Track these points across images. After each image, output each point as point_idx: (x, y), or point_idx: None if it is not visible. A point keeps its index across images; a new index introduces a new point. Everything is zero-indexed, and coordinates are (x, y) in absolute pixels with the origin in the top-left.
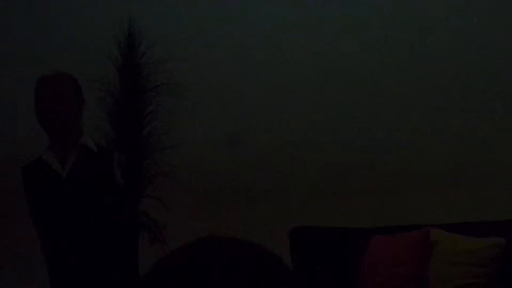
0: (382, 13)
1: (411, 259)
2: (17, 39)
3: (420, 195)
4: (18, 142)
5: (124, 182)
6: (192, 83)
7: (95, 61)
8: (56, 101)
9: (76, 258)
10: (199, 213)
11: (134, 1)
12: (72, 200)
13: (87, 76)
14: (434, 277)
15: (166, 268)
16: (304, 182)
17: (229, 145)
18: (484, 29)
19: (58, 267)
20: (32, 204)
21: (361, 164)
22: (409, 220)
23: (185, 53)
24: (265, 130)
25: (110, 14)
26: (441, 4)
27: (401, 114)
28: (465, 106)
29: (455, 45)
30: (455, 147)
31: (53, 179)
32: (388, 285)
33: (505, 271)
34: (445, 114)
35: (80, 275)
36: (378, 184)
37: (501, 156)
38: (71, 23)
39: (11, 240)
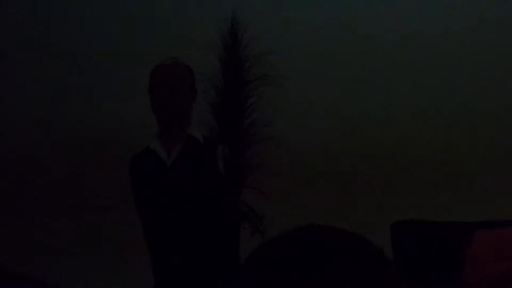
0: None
1: None
2: (124, 34)
3: None
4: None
5: (226, 174)
6: (294, 75)
7: (199, 54)
8: (174, 91)
9: (178, 246)
10: (299, 205)
11: None
12: (176, 188)
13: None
14: None
15: (265, 256)
16: (407, 175)
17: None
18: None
19: (161, 255)
20: (137, 191)
21: (464, 156)
22: None
23: (287, 46)
24: (365, 123)
25: (213, 7)
26: None
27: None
28: None
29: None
30: None
31: (159, 167)
32: (493, 281)
33: None
34: None
35: (182, 263)
36: (480, 177)
37: None
38: (176, 16)
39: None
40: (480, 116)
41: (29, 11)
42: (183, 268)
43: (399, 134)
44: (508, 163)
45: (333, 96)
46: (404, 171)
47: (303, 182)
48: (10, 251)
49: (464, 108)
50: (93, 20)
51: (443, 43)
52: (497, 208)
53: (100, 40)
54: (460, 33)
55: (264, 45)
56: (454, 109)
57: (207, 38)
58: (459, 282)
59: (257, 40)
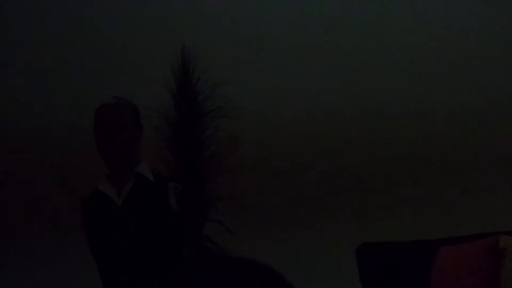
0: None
1: (481, 268)
2: (72, 65)
3: (489, 201)
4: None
5: (180, 209)
6: (248, 105)
7: (151, 89)
8: (120, 130)
9: (132, 284)
10: (262, 236)
11: (186, 28)
12: (127, 227)
13: (143, 104)
14: (507, 286)
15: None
16: (366, 198)
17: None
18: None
19: None
20: (89, 232)
21: (422, 174)
22: (477, 228)
23: (239, 76)
24: (325, 150)
25: (163, 42)
26: None
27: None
28: None
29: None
30: None
31: (109, 208)
32: None
33: None
34: None
35: None
36: (441, 193)
37: None
38: (125, 52)
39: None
40: (443, 125)
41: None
42: None
43: (363, 157)
44: (471, 178)
45: (292, 123)
46: (366, 192)
47: (266, 213)
48: None
49: (433, 126)
50: (40, 56)
51: (441, 39)
52: (461, 224)
53: (48, 73)
54: (460, 30)
55: (217, 76)
56: (415, 128)
57: (158, 73)
58: None
59: (209, 71)
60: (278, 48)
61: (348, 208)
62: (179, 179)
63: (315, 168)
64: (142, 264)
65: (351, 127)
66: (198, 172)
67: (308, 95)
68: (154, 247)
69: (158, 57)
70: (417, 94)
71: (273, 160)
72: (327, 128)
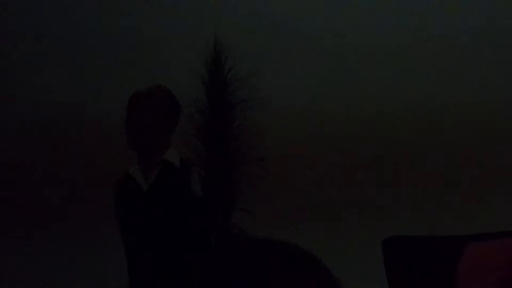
0: None
1: (509, 265)
2: (107, 57)
3: None
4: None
5: (207, 197)
6: (278, 98)
7: (183, 79)
8: (140, 116)
9: (154, 272)
10: (289, 224)
11: (220, 19)
12: (151, 213)
13: (175, 93)
14: None
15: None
16: (397, 191)
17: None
18: None
19: (138, 280)
20: (117, 215)
21: (453, 170)
22: (504, 226)
23: (270, 68)
24: (354, 141)
25: (196, 32)
26: None
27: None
28: None
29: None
30: None
31: (136, 192)
32: None
33: None
34: None
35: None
36: (469, 190)
37: None
38: (159, 42)
39: None
40: (470, 131)
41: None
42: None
43: (388, 150)
44: (498, 176)
45: (319, 114)
46: (394, 187)
47: (293, 202)
48: None
49: (456, 121)
50: (77, 47)
51: (445, 37)
52: (488, 221)
53: (85, 66)
54: (463, 27)
55: (248, 67)
56: (448, 121)
57: (191, 63)
58: None
59: (240, 63)
60: (311, 41)
61: (376, 200)
62: (204, 166)
63: (345, 159)
64: (167, 251)
65: (380, 121)
66: (227, 161)
67: (340, 89)
68: (178, 234)
69: (191, 48)
70: (437, 87)
71: (301, 151)
72: (357, 122)
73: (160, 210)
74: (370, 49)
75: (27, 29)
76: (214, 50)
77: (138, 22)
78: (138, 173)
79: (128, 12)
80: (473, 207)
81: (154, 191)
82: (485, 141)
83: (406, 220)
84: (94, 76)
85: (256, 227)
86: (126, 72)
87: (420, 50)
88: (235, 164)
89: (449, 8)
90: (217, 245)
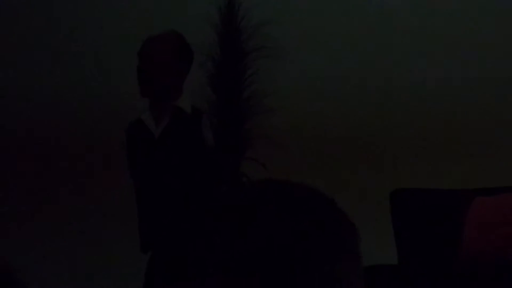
0: None
1: None
2: (121, 4)
3: None
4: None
5: (218, 145)
6: (292, 46)
7: (195, 26)
8: (149, 62)
9: (163, 215)
10: (299, 175)
11: None
12: (162, 159)
13: (189, 42)
14: None
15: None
16: (406, 142)
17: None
18: None
19: (147, 218)
20: (129, 159)
21: (463, 123)
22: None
23: (285, 16)
24: (366, 91)
25: None
26: None
27: None
28: None
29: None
30: None
31: (147, 139)
32: (492, 246)
33: None
34: None
35: (166, 228)
36: (479, 144)
37: None
38: None
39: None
40: (481, 85)
41: None
42: (167, 232)
43: (399, 102)
44: (507, 130)
45: (333, 65)
46: (403, 139)
47: (303, 152)
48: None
49: (466, 77)
50: None
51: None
52: (496, 175)
53: (95, 12)
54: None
55: (262, 15)
56: (456, 79)
57: (204, 10)
58: (459, 248)
59: (254, 10)
60: None
61: (384, 153)
62: (216, 114)
63: (352, 110)
64: (175, 196)
65: (387, 75)
66: (238, 110)
67: (353, 38)
68: (187, 179)
69: None
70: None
71: (314, 101)
72: (367, 75)
73: (171, 156)
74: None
75: None
76: None
77: None
78: (150, 119)
79: None
80: (481, 161)
81: (165, 137)
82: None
83: (414, 173)
84: (106, 23)
85: (264, 176)
86: (141, 17)
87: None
88: (246, 113)
89: None
90: (227, 192)
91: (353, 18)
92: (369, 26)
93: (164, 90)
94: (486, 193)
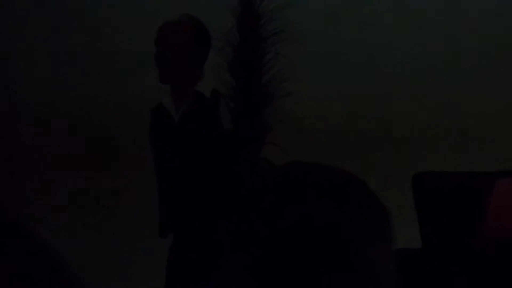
0: None
1: None
2: None
3: None
4: None
5: (237, 129)
6: (311, 30)
7: (214, 11)
8: (164, 48)
9: (182, 196)
10: (318, 159)
11: None
12: (181, 142)
13: (207, 27)
14: None
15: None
16: (426, 125)
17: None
18: None
19: (167, 200)
20: (151, 143)
21: (484, 105)
22: None
23: (303, 0)
24: (385, 75)
25: None
26: None
27: None
28: None
29: None
30: None
31: (168, 123)
32: None
33: None
34: None
35: (187, 208)
36: (500, 126)
37: None
38: None
39: None
40: (497, 66)
41: None
42: (188, 212)
43: (417, 85)
44: None
45: (352, 49)
46: (423, 122)
47: (322, 137)
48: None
49: (482, 58)
50: None
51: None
52: None
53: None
54: None
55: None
56: (472, 58)
57: None
58: (481, 231)
59: None
60: None
61: (407, 135)
62: (235, 99)
63: (372, 94)
64: (194, 180)
65: (417, 54)
66: (257, 95)
67: (373, 21)
68: (206, 163)
69: None
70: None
71: (333, 84)
72: (389, 58)
73: (190, 140)
74: None
75: None
76: None
77: None
78: (170, 104)
79: None
80: (504, 142)
81: (186, 121)
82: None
83: (436, 156)
84: (123, 11)
85: (284, 161)
86: (158, 2)
87: None
88: (266, 98)
89: None
90: (247, 176)
91: (372, 1)
92: (391, 8)
93: (183, 75)
94: (509, 175)
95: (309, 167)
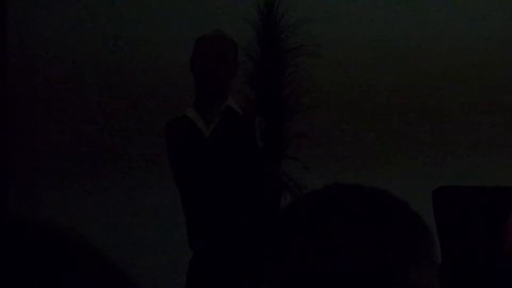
0: None
1: None
2: (159, 7)
3: None
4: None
5: (263, 145)
6: (331, 45)
7: (235, 25)
8: (220, 64)
9: (215, 217)
10: (339, 174)
11: None
12: (213, 159)
13: None
14: None
15: (288, 217)
16: (447, 140)
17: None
18: None
19: (199, 224)
20: (174, 159)
21: (503, 119)
22: None
23: (323, 14)
24: (405, 88)
25: None
26: None
27: None
28: None
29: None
30: None
31: (197, 137)
32: None
33: None
34: None
35: (220, 232)
36: None
37: None
38: None
39: None
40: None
41: None
42: (220, 236)
43: (439, 99)
44: None
45: (372, 64)
46: (444, 136)
47: (342, 151)
48: None
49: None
50: None
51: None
52: None
53: (132, 14)
54: None
55: (301, 14)
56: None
57: (243, 8)
58: (502, 246)
59: (293, 9)
60: None
61: (427, 150)
62: (265, 115)
63: (394, 108)
64: (227, 198)
65: (434, 66)
66: (277, 109)
67: (391, 34)
68: (238, 181)
69: None
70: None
71: (354, 99)
72: (409, 71)
73: (222, 157)
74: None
75: None
76: None
77: None
78: (197, 117)
79: None
80: None
81: (217, 137)
82: None
83: (456, 170)
84: (138, 18)
85: (305, 176)
86: (177, 18)
87: None
88: (286, 112)
89: None
90: (269, 190)
91: (393, 18)
92: (409, 23)
93: (223, 87)
94: None
95: (349, 190)
